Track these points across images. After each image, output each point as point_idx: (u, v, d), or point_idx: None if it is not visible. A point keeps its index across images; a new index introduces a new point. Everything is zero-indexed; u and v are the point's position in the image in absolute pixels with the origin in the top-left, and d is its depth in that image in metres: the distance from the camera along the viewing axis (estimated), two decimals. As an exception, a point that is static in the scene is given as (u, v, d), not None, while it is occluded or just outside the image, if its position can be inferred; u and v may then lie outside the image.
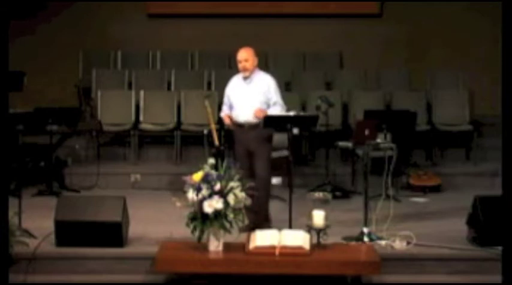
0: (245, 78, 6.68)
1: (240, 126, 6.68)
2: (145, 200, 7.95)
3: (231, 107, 6.77)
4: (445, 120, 9.53)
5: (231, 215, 5.49)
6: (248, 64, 6.63)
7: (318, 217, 5.74)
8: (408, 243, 6.13)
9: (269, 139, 6.76)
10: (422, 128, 9.28)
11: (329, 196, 8.10)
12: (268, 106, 6.66)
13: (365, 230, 6.29)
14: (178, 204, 5.54)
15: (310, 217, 5.78)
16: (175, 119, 9.44)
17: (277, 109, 6.64)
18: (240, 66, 6.69)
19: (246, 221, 5.77)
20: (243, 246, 5.64)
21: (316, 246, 5.67)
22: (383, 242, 6.17)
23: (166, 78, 10.20)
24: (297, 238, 5.61)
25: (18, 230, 5.98)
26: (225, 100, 6.85)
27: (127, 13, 10.80)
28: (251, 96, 6.63)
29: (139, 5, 10.86)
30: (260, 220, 6.54)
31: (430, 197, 8.27)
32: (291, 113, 7.00)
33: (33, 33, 10.68)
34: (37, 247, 5.97)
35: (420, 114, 8.89)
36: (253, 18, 10.69)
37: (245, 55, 6.64)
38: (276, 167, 8.60)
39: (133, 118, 9.43)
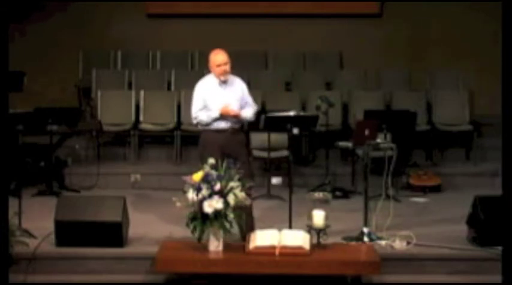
0: (221, 83, 6.39)
1: (218, 131, 6.34)
2: (145, 200, 7.95)
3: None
4: (445, 120, 9.53)
5: (231, 215, 5.49)
6: (228, 68, 6.34)
7: (318, 217, 5.74)
8: (408, 243, 6.13)
9: (247, 144, 6.63)
10: (422, 128, 9.28)
11: (329, 196, 8.09)
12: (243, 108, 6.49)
13: (365, 230, 6.28)
14: (178, 204, 5.54)
15: (310, 217, 5.78)
16: (175, 119, 9.44)
17: (249, 111, 6.47)
18: (219, 69, 6.31)
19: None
20: (243, 246, 5.64)
21: (316, 246, 5.67)
22: (383, 242, 6.17)
23: (166, 78, 10.19)
24: (297, 238, 5.61)
25: (18, 230, 5.98)
26: (200, 104, 6.39)
27: (127, 13, 10.79)
28: (231, 100, 6.35)
29: (139, 5, 10.86)
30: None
31: (430, 197, 8.27)
32: (291, 113, 7.00)
33: (33, 34, 10.68)
34: (37, 247, 5.96)
35: (420, 114, 8.90)
36: (253, 18, 10.68)
37: (226, 59, 6.32)
38: (276, 167, 8.64)
39: (133, 118, 9.43)
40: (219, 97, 6.36)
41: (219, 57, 6.34)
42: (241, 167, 5.75)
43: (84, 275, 5.90)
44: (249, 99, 6.55)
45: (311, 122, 7.21)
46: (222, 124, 6.36)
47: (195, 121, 6.47)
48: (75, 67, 10.60)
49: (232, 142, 6.35)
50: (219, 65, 6.33)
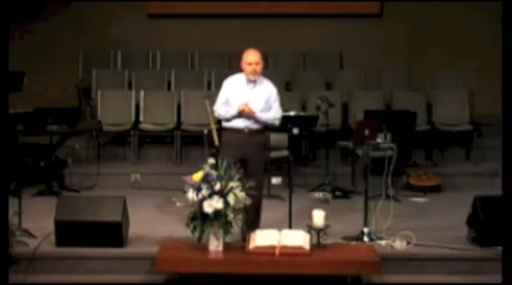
0: (249, 82, 6.39)
1: (236, 130, 6.35)
2: (145, 200, 7.94)
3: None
4: (445, 120, 9.53)
5: (231, 215, 5.49)
6: (258, 68, 6.35)
7: (318, 217, 5.74)
8: (408, 243, 6.13)
9: (266, 147, 6.54)
10: (422, 128, 9.29)
11: (329, 196, 8.11)
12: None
13: (365, 230, 6.28)
14: (178, 204, 5.54)
15: (310, 217, 5.78)
16: (175, 119, 9.44)
17: (268, 114, 6.39)
18: (249, 68, 6.32)
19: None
20: (243, 247, 5.64)
21: (316, 246, 5.66)
22: (383, 242, 6.16)
23: (166, 78, 10.20)
24: (297, 238, 5.61)
25: (18, 230, 5.98)
26: (222, 99, 6.43)
27: (127, 13, 10.80)
28: (254, 101, 6.33)
29: (139, 5, 10.87)
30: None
31: (430, 197, 8.27)
32: (291, 113, 7.00)
33: (33, 33, 10.69)
34: (37, 247, 5.96)
35: (420, 114, 8.90)
36: (253, 18, 10.69)
37: (257, 58, 6.35)
38: (276, 167, 8.64)
39: (133, 118, 9.43)
40: (243, 95, 6.36)
41: (250, 56, 6.36)
42: (250, 168, 5.71)
43: (84, 275, 5.90)
44: (275, 104, 6.46)
45: (311, 122, 7.22)
46: (239, 123, 6.34)
47: (215, 114, 6.52)
48: (75, 67, 10.61)
49: (248, 144, 6.30)
50: (249, 64, 6.34)
